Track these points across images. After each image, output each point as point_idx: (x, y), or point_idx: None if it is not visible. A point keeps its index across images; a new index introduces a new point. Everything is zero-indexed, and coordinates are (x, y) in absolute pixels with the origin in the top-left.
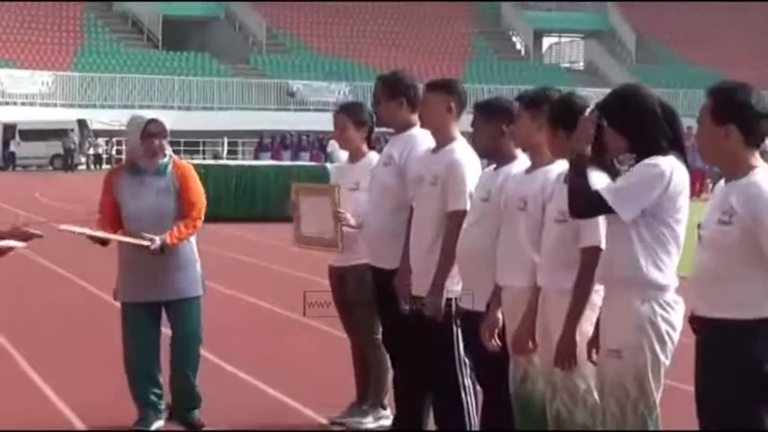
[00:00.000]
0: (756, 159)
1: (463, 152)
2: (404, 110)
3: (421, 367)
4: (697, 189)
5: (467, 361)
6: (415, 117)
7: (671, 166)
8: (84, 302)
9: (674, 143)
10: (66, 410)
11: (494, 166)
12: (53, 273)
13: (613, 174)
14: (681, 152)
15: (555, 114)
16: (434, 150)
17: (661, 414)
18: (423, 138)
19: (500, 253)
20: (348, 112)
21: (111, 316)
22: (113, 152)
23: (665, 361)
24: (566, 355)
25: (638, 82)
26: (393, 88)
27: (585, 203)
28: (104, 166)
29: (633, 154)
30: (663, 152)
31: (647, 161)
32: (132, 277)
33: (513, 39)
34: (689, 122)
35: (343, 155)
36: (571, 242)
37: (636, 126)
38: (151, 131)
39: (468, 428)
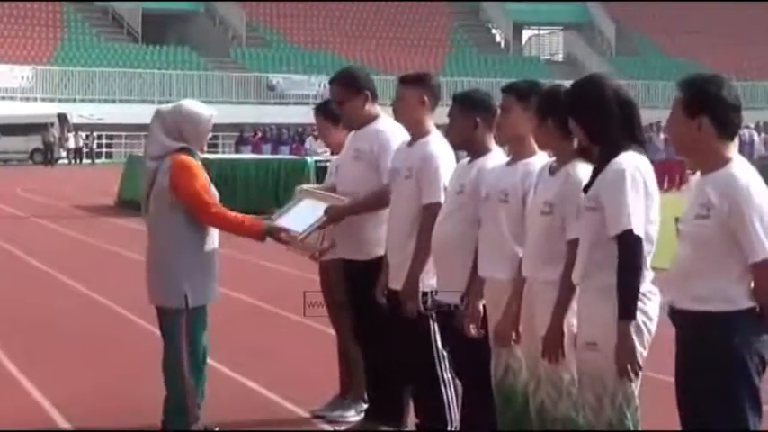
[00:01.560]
0: (731, 151)
1: (437, 145)
2: (368, 104)
3: (399, 361)
4: (677, 182)
5: (445, 354)
6: (377, 109)
7: (634, 165)
8: (68, 300)
9: (630, 135)
10: (51, 409)
11: (468, 158)
12: (36, 270)
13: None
14: (639, 144)
15: (545, 105)
16: (409, 144)
17: (640, 405)
18: (389, 128)
19: (482, 245)
20: (324, 113)
21: (96, 314)
22: (94, 146)
23: (642, 351)
24: (552, 346)
25: (598, 73)
26: (355, 85)
27: (638, 258)
28: (85, 161)
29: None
30: (618, 146)
31: (613, 168)
32: (207, 278)
33: (493, 31)
34: (668, 114)
35: (321, 149)
36: (556, 234)
37: (591, 117)
38: (208, 124)
39: (448, 422)
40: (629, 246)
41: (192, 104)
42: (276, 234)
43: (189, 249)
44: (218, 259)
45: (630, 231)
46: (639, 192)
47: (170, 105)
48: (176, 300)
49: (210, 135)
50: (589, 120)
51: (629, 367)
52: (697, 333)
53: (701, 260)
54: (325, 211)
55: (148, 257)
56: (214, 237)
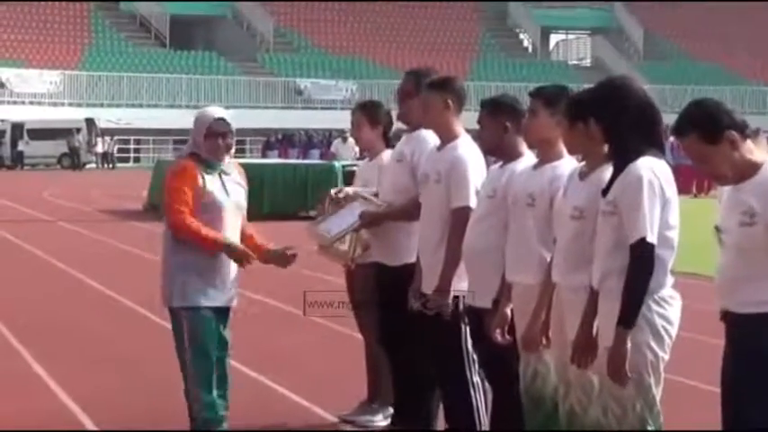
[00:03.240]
0: (759, 155)
1: (466, 149)
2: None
3: (429, 366)
4: (705, 187)
5: (475, 358)
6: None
7: (652, 171)
8: (94, 303)
9: (650, 140)
10: (78, 410)
11: (500, 163)
12: (62, 272)
13: None
14: (658, 149)
15: (575, 109)
16: (439, 148)
17: (662, 409)
18: (433, 137)
19: (509, 249)
20: (363, 111)
21: (121, 317)
22: (114, 150)
23: (664, 356)
24: (582, 351)
25: (623, 75)
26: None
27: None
28: (118, 165)
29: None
30: (636, 149)
31: (631, 174)
32: (215, 279)
33: (521, 36)
34: None
35: (347, 153)
36: (586, 239)
37: (611, 117)
38: (215, 130)
39: (477, 426)
40: (640, 253)
41: (208, 108)
42: (234, 253)
43: (181, 251)
44: (225, 263)
45: (644, 239)
46: (656, 198)
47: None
48: (165, 300)
49: (237, 140)
50: (609, 119)
51: (620, 373)
52: (746, 335)
53: (749, 266)
54: (360, 216)
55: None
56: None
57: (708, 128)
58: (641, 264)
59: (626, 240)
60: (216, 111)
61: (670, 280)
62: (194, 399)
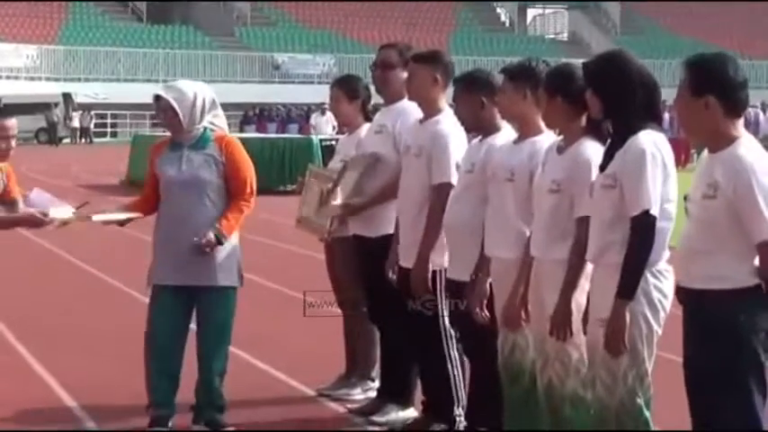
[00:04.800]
0: (738, 130)
1: (449, 124)
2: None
3: (407, 339)
4: (682, 160)
5: (453, 332)
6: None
7: (654, 144)
8: (76, 280)
9: (650, 114)
10: (68, 398)
11: (479, 138)
12: (51, 254)
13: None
14: (657, 123)
15: (553, 83)
16: (421, 121)
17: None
18: (413, 109)
19: (489, 224)
20: (341, 85)
21: (105, 295)
22: (92, 125)
23: (658, 330)
24: (561, 325)
25: (625, 49)
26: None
27: (650, 240)
28: (95, 140)
29: (608, 119)
30: (637, 123)
31: (634, 147)
32: (166, 258)
33: (498, 10)
34: (673, 93)
35: (327, 127)
36: (565, 213)
37: (612, 91)
38: (157, 107)
39: (455, 400)
40: (643, 226)
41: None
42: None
43: (154, 231)
44: (172, 243)
45: (647, 212)
46: (658, 171)
47: None
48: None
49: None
50: (611, 93)
51: (618, 345)
52: (703, 311)
53: (708, 240)
54: (341, 207)
55: None
56: (170, 218)
57: (698, 78)
58: (644, 236)
59: (626, 213)
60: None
61: (666, 253)
62: (146, 374)
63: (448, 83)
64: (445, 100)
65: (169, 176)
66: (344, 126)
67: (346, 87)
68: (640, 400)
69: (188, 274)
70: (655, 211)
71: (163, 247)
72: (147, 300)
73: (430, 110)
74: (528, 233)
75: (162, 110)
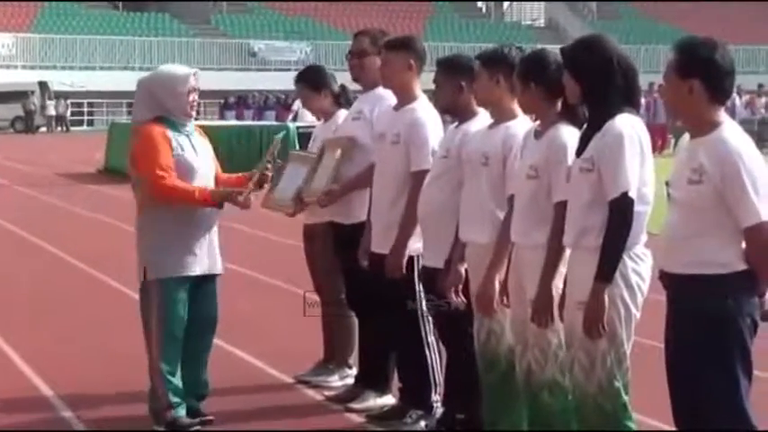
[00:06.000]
0: (721, 116)
1: (424, 111)
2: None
3: (384, 325)
4: (659, 145)
5: (430, 318)
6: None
7: (632, 127)
8: (48, 266)
9: (628, 99)
10: (39, 381)
11: (456, 123)
12: (18, 237)
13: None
14: (634, 108)
15: (526, 70)
16: (396, 108)
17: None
18: (390, 96)
19: (463, 209)
20: (304, 81)
21: (80, 283)
22: (68, 113)
23: (636, 313)
24: (542, 310)
25: (604, 33)
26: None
27: (628, 223)
28: (72, 128)
29: (585, 103)
30: (613, 107)
31: (612, 130)
32: (196, 246)
33: None
34: (650, 78)
35: (308, 115)
36: (543, 197)
37: (590, 75)
38: (194, 86)
39: (432, 386)
40: (622, 208)
41: (168, 67)
42: (229, 198)
43: (152, 221)
44: (200, 231)
45: (626, 194)
46: (636, 154)
47: (149, 73)
48: (139, 273)
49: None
50: (589, 77)
51: (596, 328)
52: (690, 297)
53: (694, 225)
54: (324, 193)
55: None
56: (185, 210)
57: (685, 61)
58: (622, 218)
59: (604, 197)
60: (184, 68)
61: (644, 237)
62: (155, 372)
63: (421, 68)
64: (420, 86)
65: (191, 161)
66: (319, 115)
67: (309, 81)
68: (618, 384)
69: (213, 262)
70: (633, 194)
71: (193, 235)
72: (103, 276)
73: (405, 96)
74: (501, 217)
75: (196, 90)
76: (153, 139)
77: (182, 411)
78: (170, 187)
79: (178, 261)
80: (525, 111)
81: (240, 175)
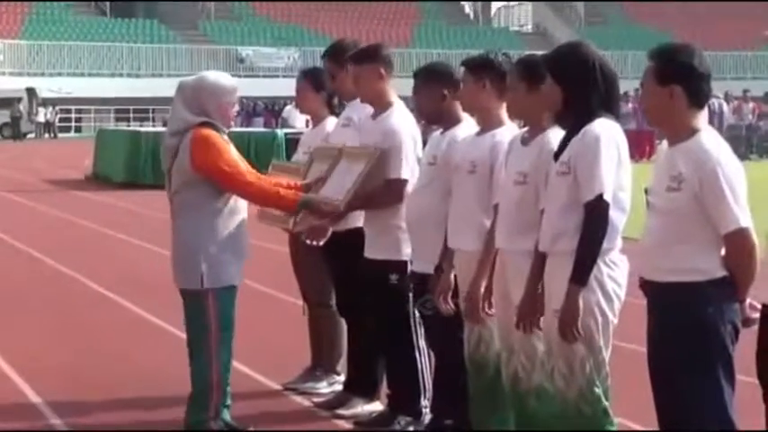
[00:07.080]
0: (700, 121)
1: (399, 118)
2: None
3: (375, 330)
4: (647, 152)
5: (420, 323)
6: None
7: (609, 132)
8: (38, 275)
9: (607, 105)
10: (26, 387)
11: (440, 130)
12: (5, 244)
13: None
14: (613, 114)
15: (520, 73)
16: (374, 117)
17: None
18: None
19: (451, 216)
20: (307, 77)
21: (66, 288)
22: (56, 121)
23: (613, 319)
24: (527, 316)
25: (584, 40)
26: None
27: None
28: (60, 135)
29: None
30: (593, 113)
31: (588, 134)
32: (229, 258)
33: (462, 3)
34: (638, 84)
35: (299, 121)
36: (531, 204)
37: (573, 81)
38: (237, 99)
39: (421, 391)
40: (597, 210)
41: (215, 75)
42: (313, 207)
43: (208, 229)
44: (245, 239)
45: (600, 196)
46: (612, 157)
47: (192, 78)
48: (193, 281)
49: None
50: (572, 83)
51: (571, 331)
52: (671, 304)
53: (673, 232)
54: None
55: (172, 237)
56: (237, 216)
57: (664, 67)
58: (597, 221)
59: (579, 200)
60: (230, 78)
61: (619, 243)
62: (212, 380)
63: (391, 73)
64: (394, 93)
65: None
66: (310, 117)
67: (312, 79)
68: (599, 390)
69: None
70: (608, 197)
71: (243, 244)
72: (95, 286)
73: (380, 105)
74: (489, 225)
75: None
76: (218, 140)
77: (227, 415)
78: (254, 184)
79: (234, 271)
80: (513, 115)
81: (270, 186)
